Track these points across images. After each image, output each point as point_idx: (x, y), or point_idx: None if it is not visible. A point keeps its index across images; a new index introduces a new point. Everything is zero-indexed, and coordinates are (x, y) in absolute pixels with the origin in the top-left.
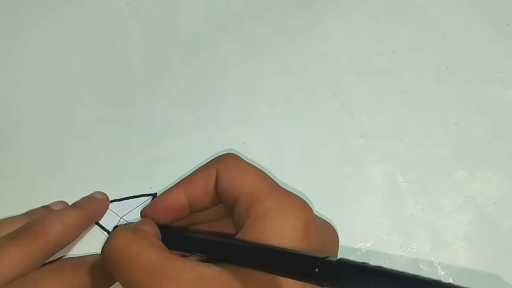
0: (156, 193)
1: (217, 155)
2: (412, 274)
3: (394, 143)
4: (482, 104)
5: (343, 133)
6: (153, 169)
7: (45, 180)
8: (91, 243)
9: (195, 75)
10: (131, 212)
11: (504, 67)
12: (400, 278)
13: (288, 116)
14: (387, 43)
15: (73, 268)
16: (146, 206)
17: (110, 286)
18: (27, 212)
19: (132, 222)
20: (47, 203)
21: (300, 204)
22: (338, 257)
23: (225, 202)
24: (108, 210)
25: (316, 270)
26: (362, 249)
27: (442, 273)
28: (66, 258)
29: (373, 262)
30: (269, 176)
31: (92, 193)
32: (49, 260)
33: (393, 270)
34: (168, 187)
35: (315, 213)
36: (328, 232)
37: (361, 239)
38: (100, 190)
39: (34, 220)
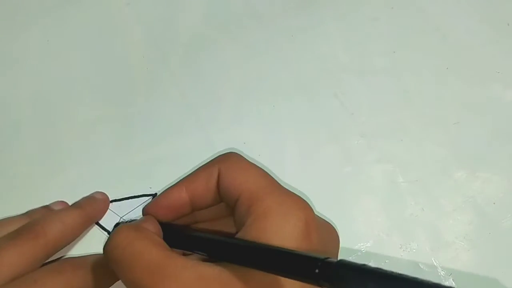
0: (156, 193)
1: (218, 155)
2: (411, 276)
3: (394, 143)
4: (482, 104)
5: (343, 133)
6: (153, 169)
7: (45, 180)
8: (91, 243)
9: (195, 75)
10: (131, 212)
11: (504, 67)
12: (399, 280)
13: (288, 116)
14: (387, 43)
15: (73, 268)
16: (148, 203)
17: (110, 286)
18: (27, 212)
19: (134, 220)
20: (47, 203)
21: (301, 204)
22: (339, 257)
23: (226, 201)
24: (108, 210)
25: (316, 271)
26: (362, 249)
27: (442, 273)
28: (66, 258)
29: (373, 262)
30: (270, 176)
31: (92, 193)
32: (49, 260)
33: (392, 272)
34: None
35: (315, 213)
36: (328, 232)
37: (361, 239)
38: (100, 190)
39: (34, 220)
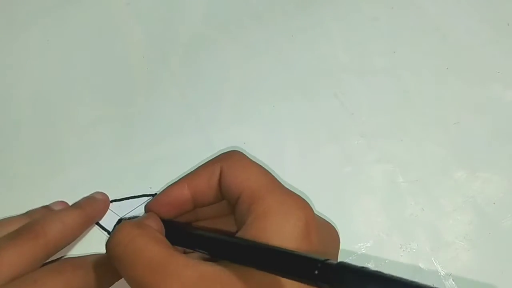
0: (156, 193)
1: (221, 153)
2: (411, 280)
3: (394, 143)
4: (482, 104)
5: (343, 133)
6: (153, 169)
7: (45, 180)
8: (91, 243)
9: (195, 75)
10: (131, 212)
11: (504, 67)
12: (399, 283)
13: (288, 116)
14: (387, 43)
15: (73, 268)
16: (150, 200)
17: (110, 286)
18: (27, 212)
19: (136, 216)
20: (47, 203)
21: (301, 203)
22: (339, 257)
23: (228, 199)
24: (108, 210)
25: (316, 272)
26: (362, 249)
27: (442, 273)
28: (66, 258)
29: (373, 262)
30: (271, 174)
31: (92, 193)
32: (49, 260)
33: (392, 275)
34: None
35: (315, 213)
36: (329, 232)
37: (361, 239)
38: (100, 190)
39: (34, 220)
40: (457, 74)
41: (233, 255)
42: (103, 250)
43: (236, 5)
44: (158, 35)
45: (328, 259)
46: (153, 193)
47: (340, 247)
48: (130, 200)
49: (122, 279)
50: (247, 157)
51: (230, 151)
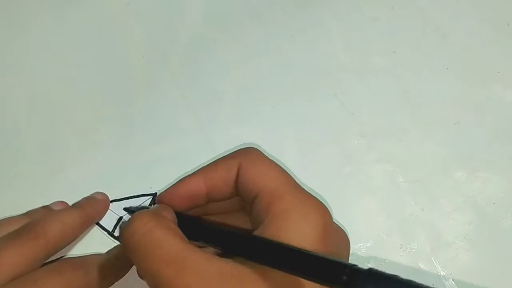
0: (156, 193)
1: (239, 148)
2: None
3: (394, 143)
4: (482, 104)
5: (343, 133)
6: (153, 169)
7: (45, 180)
8: (91, 243)
9: (195, 75)
10: None
11: (504, 67)
12: None
13: (288, 116)
14: (387, 43)
15: (73, 268)
16: (163, 191)
17: (110, 286)
18: (27, 212)
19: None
20: (47, 203)
21: (320, 206)
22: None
23: (243, 196)
24: (108, 210)
25: (344, 277)
26: (362, 249)
27: (442, 273)
28: (66, 258)
29: (373, 262)
30: (289, 174)
31: (92, 194)
32: (49, 260)
33: (422, 284)
34: (168, 187)
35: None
36: (341, 238)
37: (361, 239)
38: (100, 190)
39: (34, 220)
40: (457, 74)
41: (254, 253)
42: (103, 250)
43: (236, 5)
44: (158, 35)
45: (355, 265)
46: (153, 193)
47: None
48: (130, 200)
49: (122, 279)
50: (265, 155)
51: (247, 147)
